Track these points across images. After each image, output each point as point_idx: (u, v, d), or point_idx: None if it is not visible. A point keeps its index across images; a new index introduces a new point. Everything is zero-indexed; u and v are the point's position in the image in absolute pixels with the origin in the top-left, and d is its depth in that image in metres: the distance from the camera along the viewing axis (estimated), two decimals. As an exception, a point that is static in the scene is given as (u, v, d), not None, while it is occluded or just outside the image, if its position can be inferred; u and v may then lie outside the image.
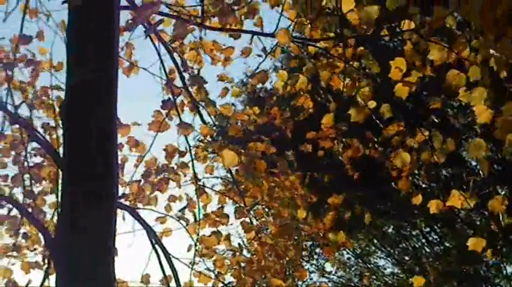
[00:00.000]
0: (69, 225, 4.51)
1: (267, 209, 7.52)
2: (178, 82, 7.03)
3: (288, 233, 7.10)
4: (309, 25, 5.97)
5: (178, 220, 6.94)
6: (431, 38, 5.35)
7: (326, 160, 7.07)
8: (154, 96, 6.91)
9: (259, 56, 6.12)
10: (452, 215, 14.78)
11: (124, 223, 6.84)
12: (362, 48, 5.88)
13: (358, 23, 5.57)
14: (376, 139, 6.50)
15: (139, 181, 6.85)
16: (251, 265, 7.22)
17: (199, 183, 7.00)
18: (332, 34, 5.94)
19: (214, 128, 7.14)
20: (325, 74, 6.01)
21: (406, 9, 5.43)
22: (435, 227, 16.74)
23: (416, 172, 7.55)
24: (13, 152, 7.13)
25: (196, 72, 6.86)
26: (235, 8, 5.81)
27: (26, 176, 7.02)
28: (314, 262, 17.69)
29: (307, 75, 6.09)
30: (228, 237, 6.95)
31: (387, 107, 5.93)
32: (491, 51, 4.87)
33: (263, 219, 7.37)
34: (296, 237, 7.22)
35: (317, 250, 17.00)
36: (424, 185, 14.25)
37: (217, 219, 6.91)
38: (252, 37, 5.97)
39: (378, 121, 6.16)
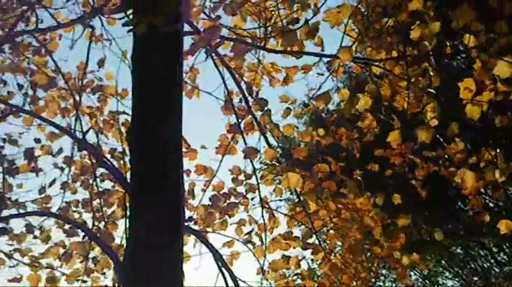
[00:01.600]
0: (137, 251, 4.57)
1: (333, 231, 7.43)
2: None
3: (357, 255, 7.01)
4: (371, 45, 5.94)
5: (245, 244, 6.93)
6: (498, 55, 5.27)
7: (393, 180, 6.99)
8: (219, 120, 6.96)
9: (320, 74, 6.10)
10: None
11: (190, 246, 6.89)
12: (427, 64, 5.82)
13: (420, 40, 5.54)
14: (446, 157, 6.43)
15: (208, 205, 6.87)
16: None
17: (267, 206, 6.98)
18: (395, 53, 5.90)
19: (278, 150, 7.11)
20: (387, 92, 5.95)
21: (470, 25, 5.36)
22: (504, 246, 16.41)
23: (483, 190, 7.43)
24: (83, 178, 7.26)
25: (255, 93, 6.87)
26: (295, 27, 5.81)
27: (96, 201, 7.13)
28: (381, 283, 17.50)
29: (370, 95, 6.05)
30: (298, 261, 6.91)
31: (455, 125, 5.86)
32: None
33: (332, 241, 7.27)
34: (365, 259, 7.10)
35: (383, 272, 16.81)
36: (491, 204, 14.02)
37: (286, 242, 6.87)
38: (319, 60, 5.95)
39: (442, 140, 6.11)
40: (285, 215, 7.17)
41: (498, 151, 6.06)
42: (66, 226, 7.08)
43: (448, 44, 5.91)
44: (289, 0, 5.95)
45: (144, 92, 4.93)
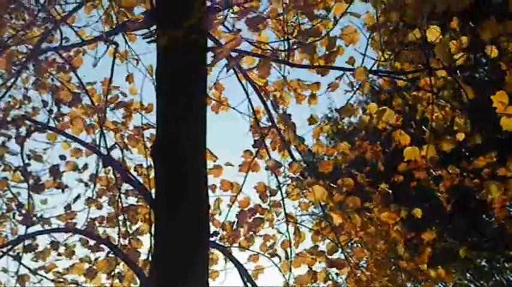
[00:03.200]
0: (161, 267, 4.57)
1: (356, 245, 7.38)
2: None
3: (383, 269, 6.95)
4: (394, 58, 5.90)
5: (270, 258, 6.90)
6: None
7: (417, 192, 6.93)
8: (241, 135, 6.95)
9: (348, 91, 6.06)
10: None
11: (214, 261, 6.88)
12: (450, 78, 5.77)
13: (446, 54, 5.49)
14: (471, 169, 6.39)
15: (233, 221, 6.84)
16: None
17: (291, 221, 6.94)
18: (420, 66, 5.86)
19: (303, 164, 7.07)
20: (421, 107, 5.90)
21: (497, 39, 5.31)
22: (529, 259, 16.26)
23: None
24: (108, 193, 7.26)
25: (281, 111, 6.84)
26: (316, 39, 5.77)
27: (121, 217, 7.14)
28: (405, 296, 17.34)
29: (398, 109, 6.02)
30: (326, 275, 6.85)
31: (478, 136, 5.83)
32: None
33: (359, 255, 7.21)
34: (391, 273, 7.03)
35: (408, 285, 16.67)
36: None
37: (312, 257, 6.83)
38: (343, 74, 5.92)
39: (468, 152, 6.08)
40: (310, 229, 7.14)
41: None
42: (91, 242, 7.08)
43: (472, 56, 5.87)
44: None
45: (167, 105, 4.95)
